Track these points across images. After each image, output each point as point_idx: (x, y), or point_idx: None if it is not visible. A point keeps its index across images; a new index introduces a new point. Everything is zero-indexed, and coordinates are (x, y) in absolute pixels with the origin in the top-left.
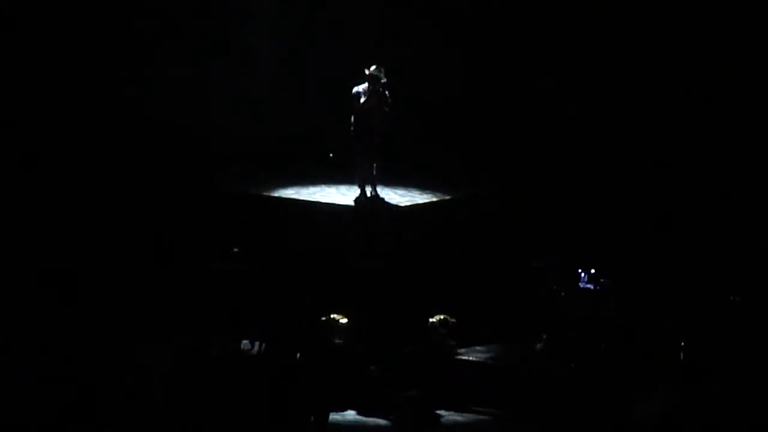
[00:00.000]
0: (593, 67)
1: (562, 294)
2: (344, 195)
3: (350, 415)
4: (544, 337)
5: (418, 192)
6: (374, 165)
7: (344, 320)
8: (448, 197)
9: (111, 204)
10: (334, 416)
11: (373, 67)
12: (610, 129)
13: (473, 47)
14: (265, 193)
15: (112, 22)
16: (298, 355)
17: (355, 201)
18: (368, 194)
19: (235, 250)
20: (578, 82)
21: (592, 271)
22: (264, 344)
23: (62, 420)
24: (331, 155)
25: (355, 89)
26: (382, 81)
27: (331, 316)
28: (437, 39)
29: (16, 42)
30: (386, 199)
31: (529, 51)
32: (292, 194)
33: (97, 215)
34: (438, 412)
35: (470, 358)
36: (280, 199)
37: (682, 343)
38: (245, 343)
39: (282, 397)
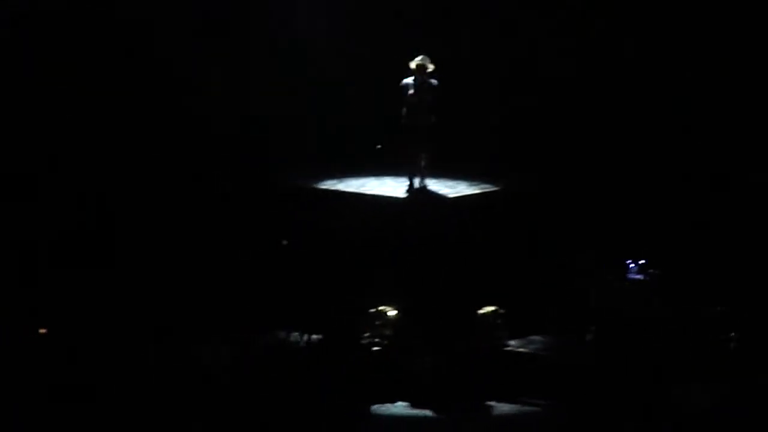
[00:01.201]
0: (636, 57)
1: (612, 285)
2: (392, 187)
3: (400, 406)
4: (593, 328)
5: (467, 184)
6: (422, 156)
7: (393, 312)
8: (496, 188)
9: (164, 199)
10: (385, 408)
11: (418, 58)
12: (657, 118)
13: (523, 38)
14: (313, 186)
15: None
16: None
17: (404, 193)
18: (417, 186)
19: (284, 242)
20: (624, 72)
21: (642, 262)
22: (312, 336)
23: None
24: (378, 147)
25: (403, 81)
26: (429, 71)
27: (380, 308)
28: (489, 29)
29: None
30: (435, 191)
31: (581, 42)
32: (340, 186)
33: (150, 212)
34: (488, 403)
35: (519, 350)
36: (328, 191)
37: (732, 334)
38: (295, 335)
39: (327, 388)
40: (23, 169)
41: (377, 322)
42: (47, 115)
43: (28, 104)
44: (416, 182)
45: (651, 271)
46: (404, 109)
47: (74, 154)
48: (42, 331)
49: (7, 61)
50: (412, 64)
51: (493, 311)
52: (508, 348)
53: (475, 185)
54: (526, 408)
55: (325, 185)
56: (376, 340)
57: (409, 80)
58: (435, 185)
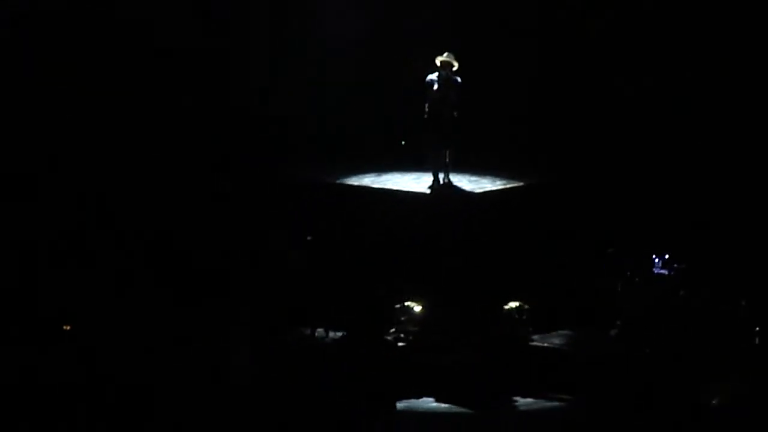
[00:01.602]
0: (661, 60)
1: (636, 280)
2: (417, 182)
3: (427, 402)
4: (618, 323)
5: (491, 179)
6: (447, 152)
7: (418, 308)
8: (520, 184)
9: (189, 197)
10: (411, 403)
11: (444, 55)
12: (682, 114)
13: (550, 34)
14: (338, 181)
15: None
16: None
17: (429, 188)
18: (441, 181)
19: (309, 238)
20: (650, 74)
21: (667, 256)
22: (337, 333)
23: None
24: (403, 143)
25: (428, 77)
26: (454, 68)
27: (406, 303)
28: (512, 25)
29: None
30: (459, 186)
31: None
32: (366, 182)
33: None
34: (513, 398)
35: (545, 345)
36: (353, 187)
37: (757, 329)
38: (320, 332)
39: (353, 385)
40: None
41: (403, 318)
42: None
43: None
44: (441, 178)
45: (676, 265)
46: (427, 105)
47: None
48: (66, 327)
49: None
50: (438, 61)
51: (517, 306)
52: (533, 343)
53: (498, 180)
54: (551, 403)
55: (350, 181)
56: (402, 335)
57: (434, 76)
58: (459, 181)
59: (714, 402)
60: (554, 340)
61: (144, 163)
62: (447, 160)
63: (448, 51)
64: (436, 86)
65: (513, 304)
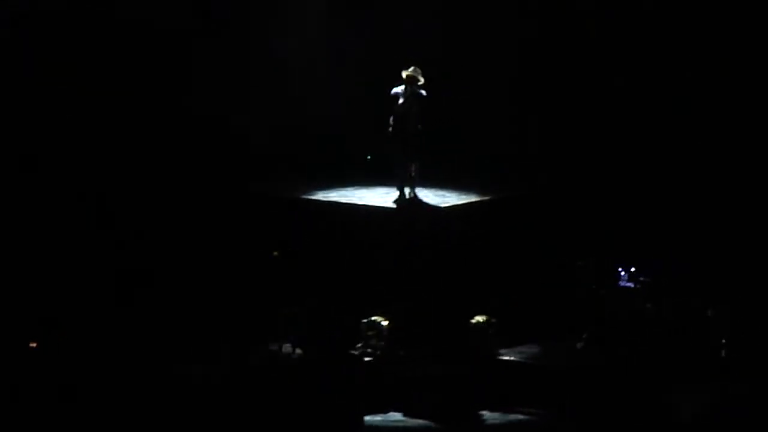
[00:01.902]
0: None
1: (602, 292)
2: (382, 197)
3: (395, 416)
4: (585, 336)
5: (456, 193)
6: (412, 166)
7: (386, 322)
8: (486, 198)
9: (147, 210)
10: (377, 418)
11: (410, 69)
12: (647, 127)
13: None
14: (303, 196)
15: (147, 21)
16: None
17: (394, 203)
18: (407, 196)
19: (275, 254)
20: (609, 85)
21: (632, 269)
22: (302, 348)
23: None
24: (368, 157)
25: (393, 90)
26: (419, 83)
27: (373, 318)
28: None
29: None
30: (425, 201)
31: (560, 51)
32: (331, 197)
33: (134, 221)
34: (480, 412)
35: (511, 358)
36: (318, 201)
37: (724, 341)
38: (287, 347)
39: (321, 400)
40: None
41: (370, 333)
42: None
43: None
44: (406, 192)
45: (642, 278)
46: (392, 118)
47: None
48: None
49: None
50: (404, 74)
51: (485, 320)
52: (501, 356)
53: (464, 194)
54: (520, 417)
55: (315, 196)
56: (369, 350)
57: (399, 89)
58: (425, 195)
59: (682, 413)
60: (522, 353)
61: (112, 174)
62: (412, 174)
63: (414, 65)
64: (401, 100)
65: (480, 318)
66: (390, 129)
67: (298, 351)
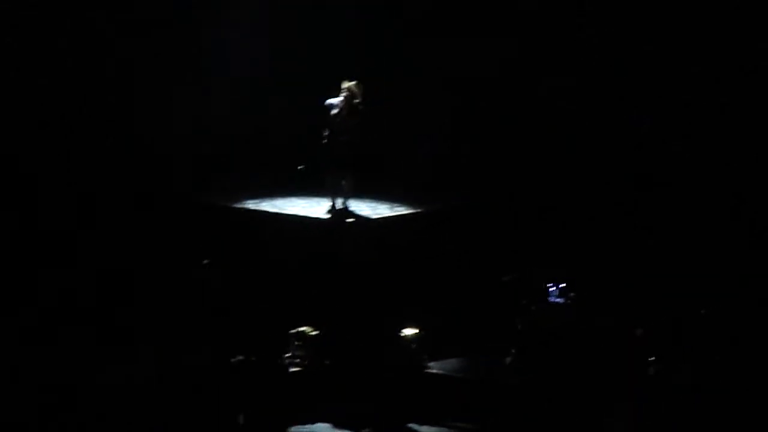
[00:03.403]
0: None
1: (532, 308)
2: (314, 207)
3: (320, 427)
4: (513, 351)
5: (389, 205)
6: (345, 178)
7: (314, 332)
8: (418, 210)
9: (79, 214)
10: (303, 429)
11: (352, 83)
12: (580, 142)
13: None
14: (233, 205)
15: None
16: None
17: (327, 213)
18: (338, 206)
19: (205, 262)
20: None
21: (562, 285)
22: (232, 357)
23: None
24: (301, 167)
25: (328, 101)
26: (356, 101)
27: (300, 328)
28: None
29: None
30: (357, 212)
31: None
32: (264, 206)
33: (64, 227)
34: (409, 425)
35: (440, 372)
36: (249, 210)
37: (652, 358)
38: (216, 356)
39: (246, 410)
40: None
41: (297, 343)
42: None
43: None
44: (338, 203)
45: (571, 294)
46: (327, 129)
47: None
48: None
49: None
50: (344, 85)
51: (413, 333)
52: (429, 370)
53: (397, 207)
54: (447, 430)
55: (246, 204)
56: (296, 360)
57: (334, 100)
58: (357, 206)
59: (608, 430)
60: (450, 366)
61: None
62: (344, 185)
63: (357, 81)
64: (335, 110)
65: (409, 331)
66: (324, 140)
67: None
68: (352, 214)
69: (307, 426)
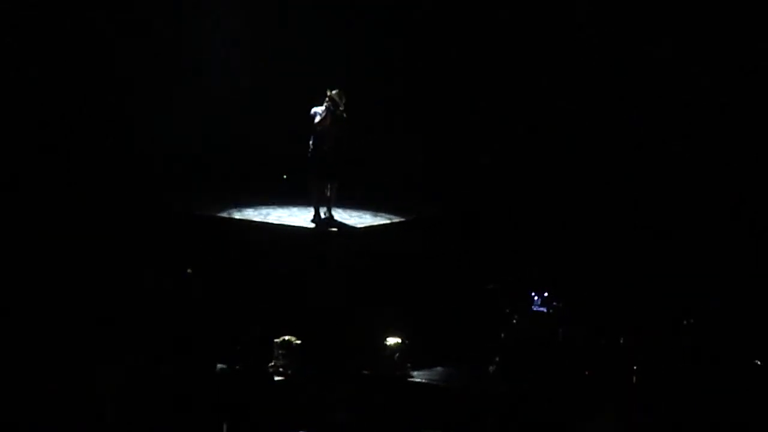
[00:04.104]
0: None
1: (515, 317)
2: (297, 216)
3: None
4: (497, 359)
5: (372, 214)
6: (329, 186)
7: (297, 342)
8: (402, 219)
9: (61, 222)
10: None
11: (335, 91)
12: (562, 148)
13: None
14: (217, 214)
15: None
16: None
17: (311, 222)
18: (323, 216)
19: (189, 271)
20: (530, 105)
21: (545, 294)
22: (216, 366)
23: None
24: (285, 176)
25: (312, 110)
26: (341, 108)
27: (285, 338)
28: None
29: None
30: (341, 221)
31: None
32: (246, 215)
33: (46, 234)
34: None
35: (423, 380)
36: (233, 219)
37: (635, 367)
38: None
39: (230, 418)
40: None
41: (281, 352)
42: None
43: None
44: (323, 212)
45: (554, 303)
46: (312, 138)
47: None
48: None
49: None
50: (328, 93)
51: (397, 342)
52: (413, 378)
53: (380, 216)
54: None
55: (230, 214)
56: (280, 369)
57: (319, 109)
58: (341, 216)
59: None
60: (433, 375)
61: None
62: (329, 194)
63: (339, 88)
64: (318, 119)
65: (392, 340)
66: (309, 149)
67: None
68: (336, 223)
69: None
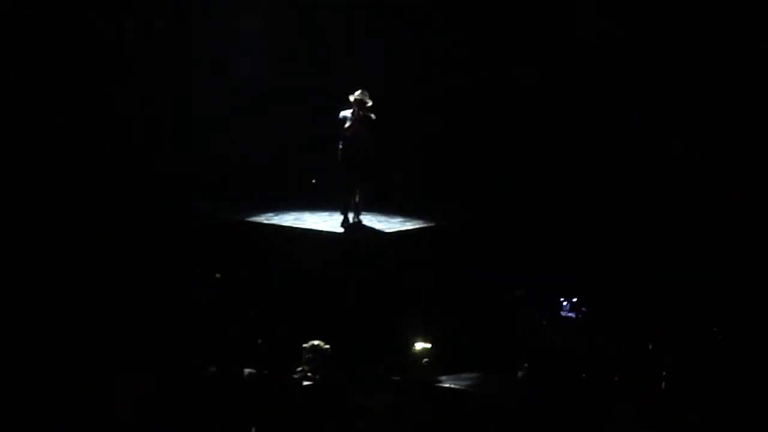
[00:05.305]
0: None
1: (544, 323)
2: (326, 221)
3: None
4: (526, 365)
5: (401, 219)
6: (358, 191)
7: (326, 346)
8: (431, 225)
9: (91, 230)
10: None
11: (357, 92)
12: (591, 153)
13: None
14: (246, 219)
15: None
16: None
17: (340, 227)
18: (351, 221)
19: (217, 276)
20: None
21: (574, 299)
22: (245, 371)
23: None
24: (313, 181)
25: (341, 114)
26: (368, 105)
27: (314, 342)
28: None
29: None
30: (370, 226)
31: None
32: (275, 221)
33: (78, 243)
34: None
35: (451, 386)
36: (261, 225)
37: (664, 373)
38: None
39: (259, 423)
40: None
41: (310, 356)
42: None
43: None
44: (351, 217)
45: (583, 309)
46: (341, 143)
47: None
48: None
49: None
50: (351, 98)
51: (426, 348)
52: (442, 384)
53: (409, 221)
54: None
55: (259, 218)
56: (309, 374)
57: (347, 113)
58: (369, 221)
59: None
60: (462, 381)
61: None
62: (358, 199)
63: (361, 88)
64: (348, 123)
65: (421, 346)
66: (339, 154)
67: (239, 373)
68: (364, 228)
69: None
